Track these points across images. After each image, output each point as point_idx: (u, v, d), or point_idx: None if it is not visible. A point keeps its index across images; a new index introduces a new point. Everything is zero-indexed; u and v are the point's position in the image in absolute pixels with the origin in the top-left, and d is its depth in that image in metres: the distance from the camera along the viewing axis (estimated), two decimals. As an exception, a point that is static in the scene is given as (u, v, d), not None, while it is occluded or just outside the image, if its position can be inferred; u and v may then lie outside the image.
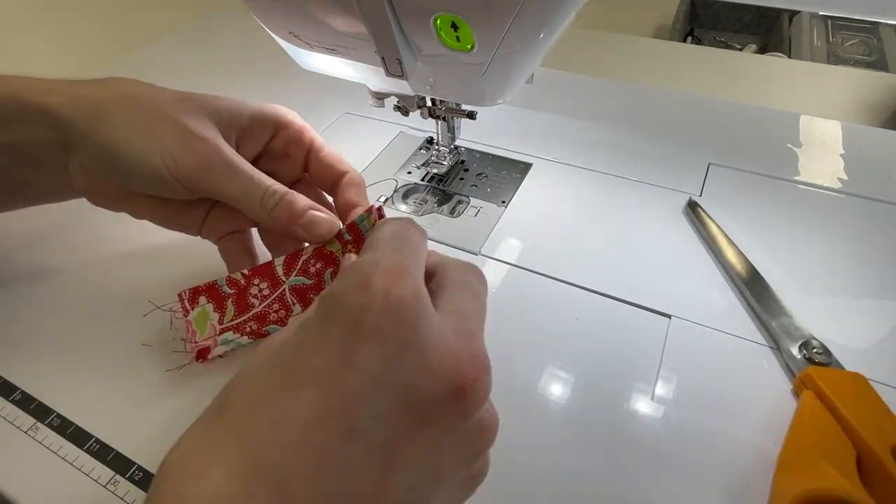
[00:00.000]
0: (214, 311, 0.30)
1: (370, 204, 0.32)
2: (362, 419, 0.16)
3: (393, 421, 0.17)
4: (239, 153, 0.31)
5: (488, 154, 0.47)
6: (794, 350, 0.31)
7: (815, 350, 0.30)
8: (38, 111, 0.29)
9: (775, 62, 0.69)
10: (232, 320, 0.30)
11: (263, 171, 0.31)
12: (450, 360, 0.18)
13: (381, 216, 0.30)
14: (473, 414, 0.18)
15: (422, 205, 0.42)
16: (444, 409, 0.17)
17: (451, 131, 0.43)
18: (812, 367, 0.29)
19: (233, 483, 0.16)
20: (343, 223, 0.31)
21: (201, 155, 0.29)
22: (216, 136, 0.30)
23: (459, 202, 0.43)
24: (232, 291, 0.30)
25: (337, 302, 0.18)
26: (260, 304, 0.30)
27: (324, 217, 0.30)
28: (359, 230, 0.30)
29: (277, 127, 0.34)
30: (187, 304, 0.30)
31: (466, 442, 0.19)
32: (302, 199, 0.30)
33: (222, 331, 0.30)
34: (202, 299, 0.30)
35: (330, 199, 0.35)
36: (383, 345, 0.17)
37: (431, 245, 0.39)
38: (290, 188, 0.31)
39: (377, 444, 0.16)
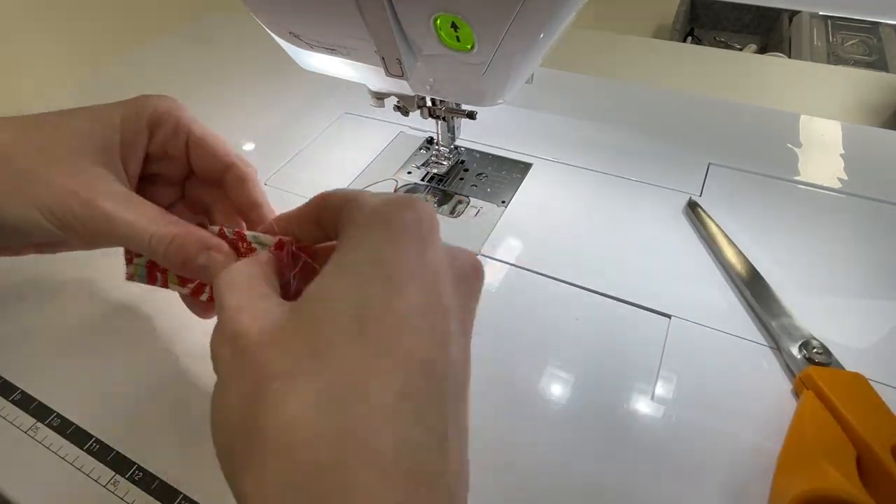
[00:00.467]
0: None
1: (269, 217, 0.29)
2: (447, 298, 0.19)
3: (461, 298, 0.20)
4: (128, 171, 0.29)
5: (488, 154, 0.47)
6: (794, 350, 0.31)
7: (815, 350, 0.30)
8: None
9: (775, 62, 0.69)
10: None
11: (152, 181, 0.30)
12: (465, 250, 0.22)
13: (291, 253, 0.27)
14: (483, 279, 0.22)
15: (422, 205, 0.42)
16: (476, 279, 0.22)
17: (451, 131, 0.43)
18: (812, 367, 0.29)
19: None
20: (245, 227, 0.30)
21: (86, 220, 0.27)
22: (96, 187, 0.27)
23: (459, 202, 0.43)
24: None
25: (391, 219, 0.20)
26: None
27: (219, 260, 0.27)
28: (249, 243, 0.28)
29: (150, 126, 0.30)
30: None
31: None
32: (191, 241, 0.27)
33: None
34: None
35: None
36: (436, 245, 0.20)
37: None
38: (183, 190, 0.31)
39: (457, 318, 0.20)
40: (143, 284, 0.29)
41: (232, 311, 0.20)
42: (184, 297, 0.30)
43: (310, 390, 0.17)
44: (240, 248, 0.28)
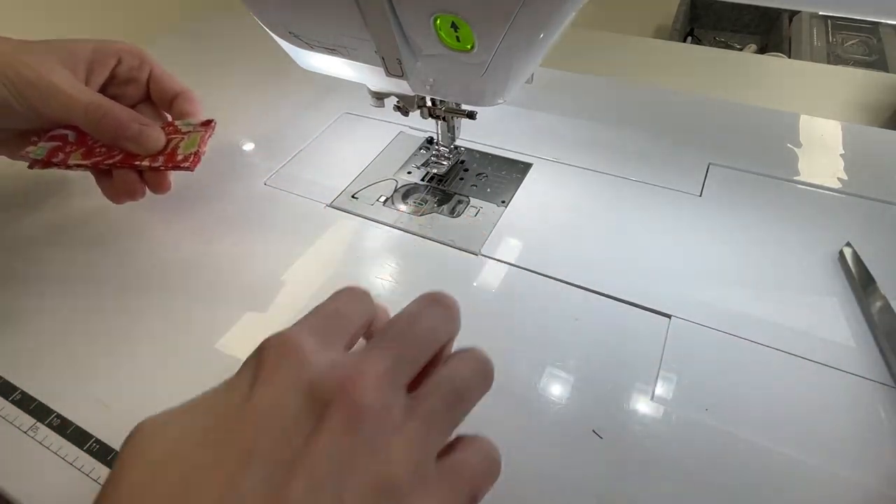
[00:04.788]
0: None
1: (202, 117, 0.40)
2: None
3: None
4: (90, 82, 0.38)
5: (488, 154, 0.47)
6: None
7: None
8: None
9: (775, 62, 0.69)
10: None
11: (111, 96, 0.38)
12: (321, 383, 0.18)
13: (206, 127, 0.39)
14: (341, 422, 0.17)
15: (422, 205, 0.42)
16: (319, 419, 0.17)
17: (451, 131, 0.43)
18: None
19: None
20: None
21: (35, 83, 0.34)
22: (52, 69, 0.35)
23: (459, 202, 0.43)
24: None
25: (243, 366, 0.19)
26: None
27: (151, 130, 0.37)
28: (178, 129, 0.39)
29: (120, 55, 0.40)
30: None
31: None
32: (126, 113, 0.36)
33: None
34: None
35: (170, 117, 0.42)
36: (273, 385, 0.18)
37: (431, 245, 0.39)
38: (134, 108, 0.39)
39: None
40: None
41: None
42: (97, 177, 0.38)
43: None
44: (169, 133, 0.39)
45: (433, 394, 0.19)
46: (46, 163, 0.37)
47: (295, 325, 0.20)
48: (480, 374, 0.21)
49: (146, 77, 0.41)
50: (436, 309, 0.22)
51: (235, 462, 0.16)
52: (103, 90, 0.39)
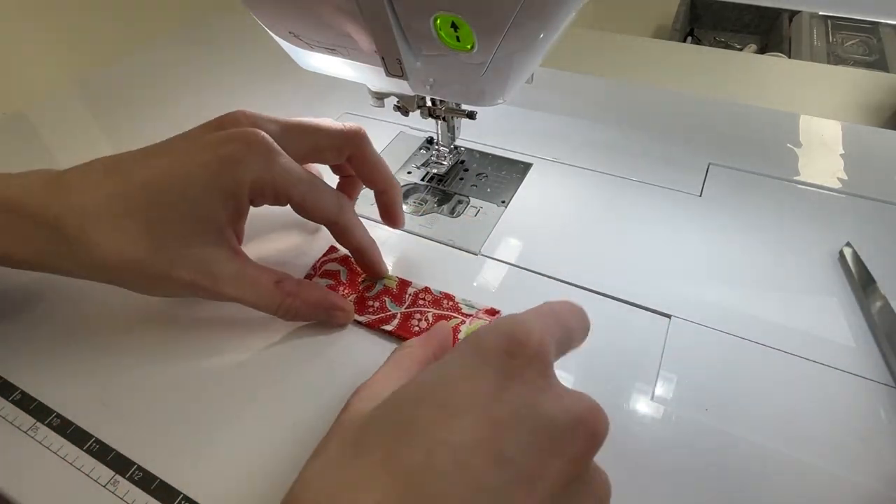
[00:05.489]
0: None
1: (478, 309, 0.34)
2: (509, 447, 0.18)
3: (534, 451, 0.19)
4: (237, 229, 0.32)
5: (488, 154, 0.47)
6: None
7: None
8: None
9: (775, 62, 0.69)
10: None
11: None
12: (578, 402, 0.20)
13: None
14: (597, 445, 0.20)
15: (422, 205, 0.42)
16: (575, 437, 0.19)
17: (451, 131, 0.43)
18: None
19: None
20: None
21: (208, 296, 0.31)
22: (207, 269, 0.30)
23: (459, 202, 0.43)
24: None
25: (491, 347, 0.21)
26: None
27: (341, 315, 0.33)
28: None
29: (252, 198, 0.31)
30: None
31: (587, 482, 0.20)
32: (309, 302, 0.32)
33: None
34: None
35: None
36: (526, 386, 0.20)
37: (431, 245, 0.39)
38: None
39: (523, 471, 0.18)
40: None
41: (377, 375, 0.25)
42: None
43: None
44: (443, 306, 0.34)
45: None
46: None
47: (541, 325, 0.22)
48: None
49: (285, 202, 0.32)
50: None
51: (493, 462, 0.18)
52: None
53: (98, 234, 0.28)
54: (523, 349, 0.20)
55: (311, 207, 0.31)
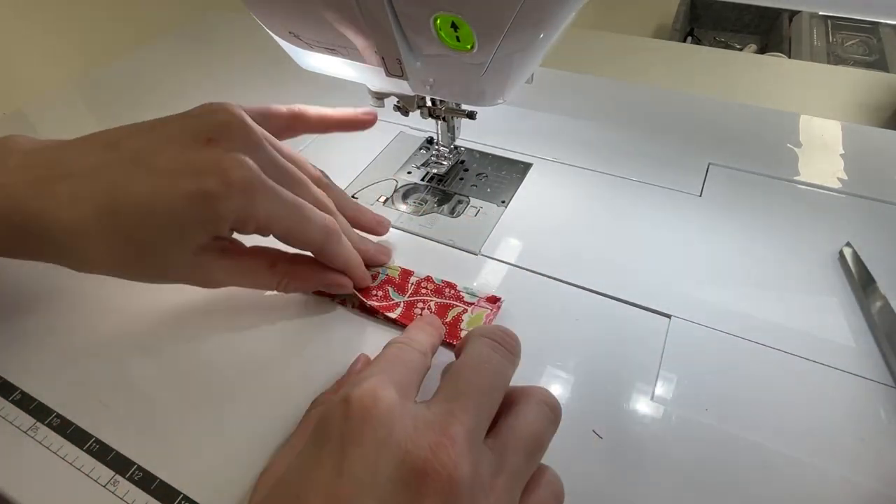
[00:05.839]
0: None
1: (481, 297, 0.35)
2: None
3: None
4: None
5: (488, 154, 0.47)
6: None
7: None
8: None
9: (775, 62, 0.69)
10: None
11: None
12: (413, 451, 0.19)
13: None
14: (438, 495, 0.19)
15: (422, 205, 0.42)
16: (416, 493, 0.19)
17: (451, 131, 0.43)
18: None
19: None
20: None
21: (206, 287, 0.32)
22: (201, 273, 0.30)
23: (459, 202, 0.43)
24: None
25: (325, 422, 0.21)
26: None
27: (336, 277, 0.33)
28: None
29: (233, 229, 0.30)
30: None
31: None
32: (305, 281, 0.33)
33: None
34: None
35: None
36: (363, 447, 0.19)
37: (431, 245, 0.39)
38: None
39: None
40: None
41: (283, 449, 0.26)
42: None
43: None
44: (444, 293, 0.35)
45: (514, 448, 0.21)
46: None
47: (374, 374, 0.22)
48: (552, 419, 0.23)
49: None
50: (498, 349, 0.24)
51: None
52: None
53: (87, 248, 0.28)
54: (351, 410, 0.20)
55: (294, 240, 0.31)
